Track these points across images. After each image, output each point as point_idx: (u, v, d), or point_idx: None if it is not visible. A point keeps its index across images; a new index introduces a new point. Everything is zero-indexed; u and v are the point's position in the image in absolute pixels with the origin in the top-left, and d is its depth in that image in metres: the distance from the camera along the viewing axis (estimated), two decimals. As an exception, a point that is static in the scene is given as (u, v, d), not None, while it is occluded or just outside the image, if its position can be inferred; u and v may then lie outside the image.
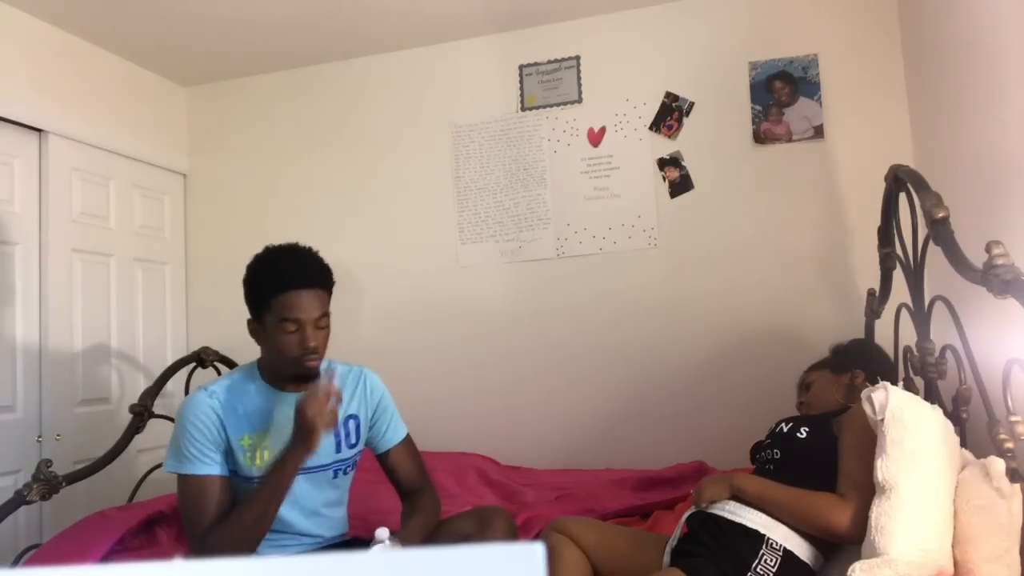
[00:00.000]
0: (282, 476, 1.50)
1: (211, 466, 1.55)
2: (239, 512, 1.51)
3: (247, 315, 1.64)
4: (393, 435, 1.76)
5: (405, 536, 1.56)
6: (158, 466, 2.75)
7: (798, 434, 1.65)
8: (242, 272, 1.66)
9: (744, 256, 2.79)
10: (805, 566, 1.49)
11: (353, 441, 1.72)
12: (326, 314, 1.59)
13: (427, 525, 1.64)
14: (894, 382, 1.94)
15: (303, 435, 1.48)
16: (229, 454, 1.59)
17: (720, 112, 2.86)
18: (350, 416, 1.72)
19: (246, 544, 1.50)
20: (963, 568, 1.32)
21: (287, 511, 1.64)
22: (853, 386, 1.81)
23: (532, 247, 3.02)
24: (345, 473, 1.74)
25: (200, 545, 1.52)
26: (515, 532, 1.68)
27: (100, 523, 2.05)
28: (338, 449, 1.69)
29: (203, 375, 2.73)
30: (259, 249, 1.67)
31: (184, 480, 1.56)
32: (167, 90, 3.44)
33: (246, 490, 1.60)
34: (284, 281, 1.54)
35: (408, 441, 1.79)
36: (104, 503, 2.43)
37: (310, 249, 1.64)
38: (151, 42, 3.05)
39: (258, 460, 1.60)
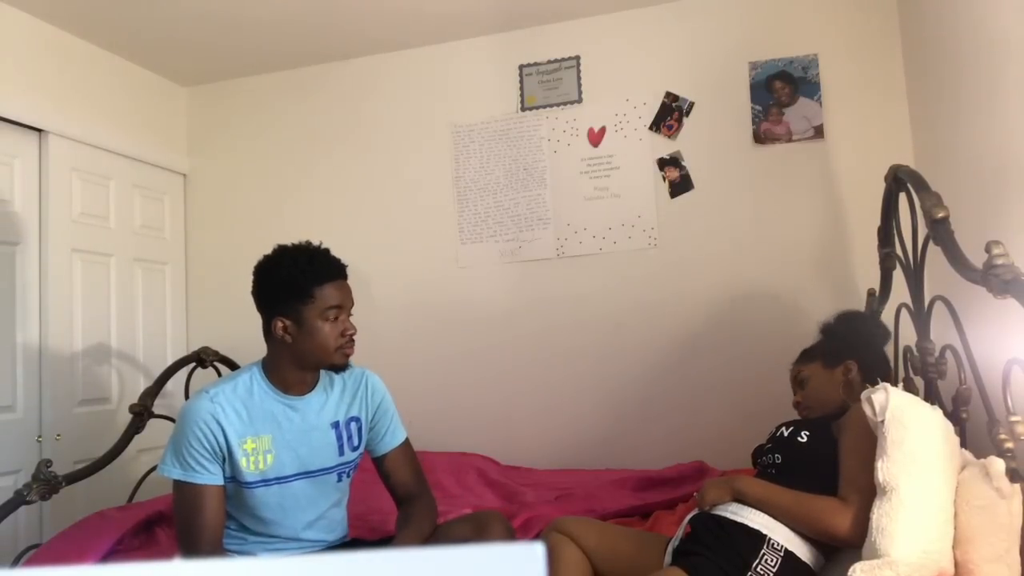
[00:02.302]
0: None
1: (207, 476, 1.55)
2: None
3: (258, 319, 1.64)
4: (392, 438, 1.75)
5: (400, 546, 1.56)
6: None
7: (799, 438, 1.65)
8: (242, 272, 1.66)
9: (744, 256, 2.79)
10: (806, 567, 1.49)
11: (355, 444, 1.72)
12: (352, 304, 1.66)
13: (423, 534, 1.62)
14: (888, 367, 1.93)
15: None
16: (229, 460, 1.58)
17: (720, 112, 2.86)
18: (352, 418, 1.71)
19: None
20: (963, 568, 1.32)
21: (292, 518, 1.63)
22: (848, 380, 1.77)
23: (532, 247, 3.02)
24: (348, 476, 1.74)
25: (188, 556, 1.53)
26: (512, 536, 1.68)
27: (100, 523, 2.05)
28: (341, 452, 1.69)
29: (203, 375, 2.73)
30: (260, 249, 1.67)
31: (180, 487, 1.56)
32: (167, 90, 3.44)
33: (245, 495, 1.60)
34: (328, 271, 1.61)
35: (406, 445, 1.78)
36: (104, 503, 2.43)
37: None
38: (151, 42, 3.05)
39: (261, 464, 1.59)
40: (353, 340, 1.64)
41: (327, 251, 1.66)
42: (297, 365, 1.63)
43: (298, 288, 1.58)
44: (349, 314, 1.64)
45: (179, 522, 1.59)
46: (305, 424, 1.65)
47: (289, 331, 1.59)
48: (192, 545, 1.53)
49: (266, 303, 1.63)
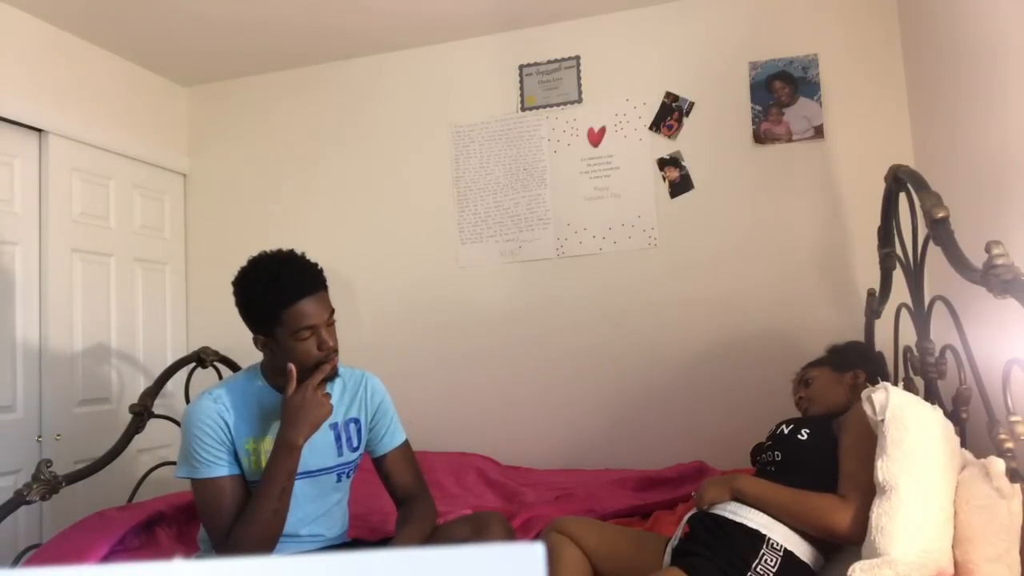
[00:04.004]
0: (286, 463, 1.50)
1: (223, 467, 1.55)
2: (253, 510, 1.50)
3: (247, 331, 1.63)
4: (391, 439, 1.76)
5: (399, 546, 1.55)
6: (158, 466, 2.75)
7: (799, 436, 1.65)
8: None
9: (744, 256, 2.79)
10: (805, 566, 1.49)
11: (355, 444, 1.72)
12: (332, 311, 1.61)
13: (422, 534, 1.63)
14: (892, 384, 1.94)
15: (292, 419, 1.50)
16: (234, 457, 1.59)
17: (720, 112, 2.86)
18: (351, 419, 1.72)
19: (266, 540, 1.50)
20: (963, 568, 1.32)
21: (292, 517, 1.63)
22: (856, 386, 1.80)
23: (532, 247, 3.02)
24: (348, 476, 1.74)
25: (223, 547, 1.52)
26: (512, 537, 1.67)
27: (100, 523, 2.05)
28: (340, 452, 1.69)
29: (203, 375, 2.73)
30: (259, 249, 1.65)
31: (199, 485, 1.55)
32: (167, 90, 3.44)
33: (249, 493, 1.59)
34: (292, 293, 1.53)
35: (406, 447, 1.79)
36: (104, 503, 2.43)
37: (300, 254, 1.62)
38: (151, 42, 3.05)
39: (263, 464, 1.59)
40: (335, 350, 1.58)
41: (297, 263, 1.58)
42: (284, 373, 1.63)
43: (268, 313, 1.54)
44: (329, 323, 1.58)
45: (206, 520, 1.58)
46: None
47: (269, 346, 1.59)
48: (224, 540, 1.52)
49: (245, 321, 1.61)
